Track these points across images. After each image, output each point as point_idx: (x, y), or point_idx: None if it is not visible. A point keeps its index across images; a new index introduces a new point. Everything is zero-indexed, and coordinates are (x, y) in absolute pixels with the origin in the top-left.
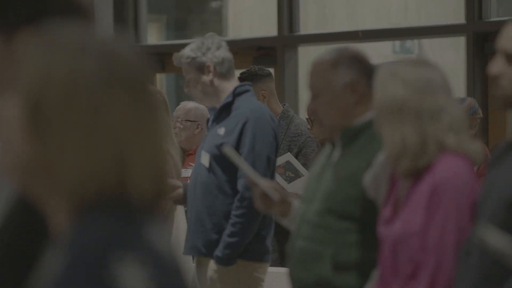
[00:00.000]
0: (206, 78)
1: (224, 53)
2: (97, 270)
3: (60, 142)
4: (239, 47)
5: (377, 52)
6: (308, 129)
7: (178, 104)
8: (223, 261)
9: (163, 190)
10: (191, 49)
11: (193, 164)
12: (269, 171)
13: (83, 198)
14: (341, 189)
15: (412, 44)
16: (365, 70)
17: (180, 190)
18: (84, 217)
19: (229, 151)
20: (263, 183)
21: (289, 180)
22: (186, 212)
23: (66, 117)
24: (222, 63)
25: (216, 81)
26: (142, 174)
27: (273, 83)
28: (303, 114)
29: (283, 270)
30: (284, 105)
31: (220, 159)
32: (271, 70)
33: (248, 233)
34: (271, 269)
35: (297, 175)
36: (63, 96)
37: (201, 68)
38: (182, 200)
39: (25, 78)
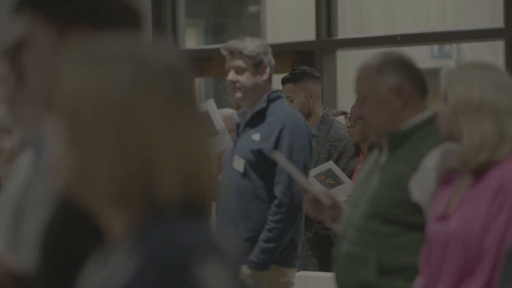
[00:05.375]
0: (259, 77)
1: (273, 59)
2: (179, 272)
3: (93, 151)
4: (277, 52)
5: (415, 57)
6: (347, 127)
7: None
8: (258, 266)
9: (208, 195)
10: (254, 44)
11: None
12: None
13: (122, 205)
14: (386, 193)
15: (450, 48)
16: (411, 73)
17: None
18: (149, 223)
19: (279, 157)
20: (314, 189)
21: (329, 187)
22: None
23: (97, 127)
24: (272, 69)
25: (264, 84)
26: (172, 179)
27: (321, 87)
28: (341, 117)
29: (322, 275)
30: (325, 109)
31: (255, 165)
32: None
33: (284, 239)
34: (310, 274)
35: (338, 182)
36: (94, 106)
37: (258, 66)
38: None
39: (61, 91)
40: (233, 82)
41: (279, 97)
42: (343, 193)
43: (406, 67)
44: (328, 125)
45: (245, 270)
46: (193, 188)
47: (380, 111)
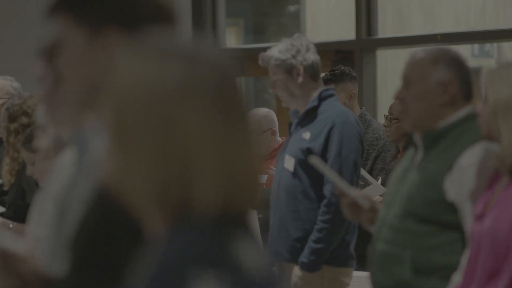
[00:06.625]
0: (295, 80)
1: (314, 56)
2: (175, 284)
3: (135, 151)
4: (317, 51)
5: None
6: (384, 126)
7: (256, 107)
8: (308, 267)
9: (246, 201)
10: (279, 50)
11: (269, 170)
12: (356, 176)
13: (159, 208)
14: (421, 192)
15: (491, 47)
16: (462, 74)
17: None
18: (174, 229)
19: (316, 162)
20: (352, 192)
21: (359, 188)
22: (259, 217)
23: (141, 127)
24: (312, 66)
25: (305, 84)
26: (210, 187)
27: (357, 87)
28: (381, 117)
29: (362, 274)
30: (361, 108)
31: (305, 164)
32: None
33: (334, 239)
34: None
35: (366, 183)
36: (140, 105)
37: (290, 71)
38: (258, 206)
39: (110, 87)
40: (274, 90)
41: (331, 95)
42: (373, 194)
43: (459, 66)
44: (366, 125)
45: (296, 270)
46: (231, 198)
47: (422, 101)
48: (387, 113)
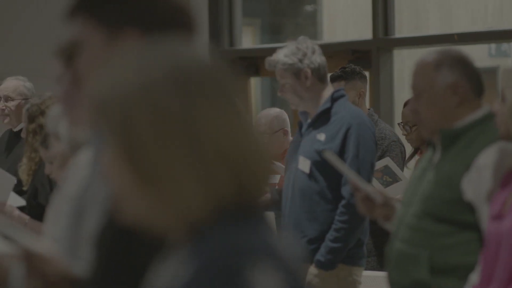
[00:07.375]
0: (303, 83)
1: (320, 57)
2: (231, 277)
3: (163, 166)
4: (333, 51)
5: (472, 55)
6: (404, 135)
7: (273, 107)
8: (324, 266)
9: (258, 193)
10: (285, 54)
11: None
12: (372, 176)
13: (205, 213)
14: (438, 192)
15: (508, 47)
16: (468, 72)
17: (268, 195)
18: (208, 226)
19: (330, 156)
20: (366, 187)
21: (386, 184)
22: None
23: (161, 138)
24: (318, 69)
25: (313, 87)
26: (258, 173)
27: (367, 86)
28: (398, 117)
29: (380, 274)
30: (369, 109)
31: (321, 165)
32: (366, 73)
33: (351, 239)
34: (369, 273)
35: (395, 179)
36: (150, 117)
37: (298, 74)
38: (270, 206)
39: (103, 101)
40: (282, 93)
41: (342, 96)
42: (401, 191)
43: (463, 65)
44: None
45: (312, 269)
46: (250, 189)
47: (434, 107)
48: (400, 121)
